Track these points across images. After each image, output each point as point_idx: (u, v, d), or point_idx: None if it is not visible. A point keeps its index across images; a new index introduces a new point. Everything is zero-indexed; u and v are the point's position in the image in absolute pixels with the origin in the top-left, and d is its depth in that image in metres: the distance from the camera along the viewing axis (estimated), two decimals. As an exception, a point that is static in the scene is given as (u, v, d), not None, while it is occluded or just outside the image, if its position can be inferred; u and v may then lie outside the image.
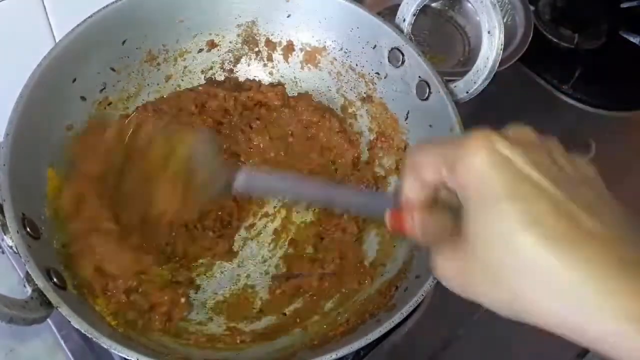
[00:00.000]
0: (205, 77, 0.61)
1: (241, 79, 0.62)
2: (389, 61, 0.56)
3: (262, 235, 0.55)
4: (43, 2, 0.53)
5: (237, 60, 0.62)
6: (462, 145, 0.26)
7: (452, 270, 0.28)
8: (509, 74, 0.63)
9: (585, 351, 0.57)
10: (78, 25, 0.49)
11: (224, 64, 0.61)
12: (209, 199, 0.45)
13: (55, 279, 0.40)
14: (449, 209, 0.29)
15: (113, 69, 0.55)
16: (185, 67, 0.60)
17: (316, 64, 0.61)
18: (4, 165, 0.42)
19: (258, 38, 0.61)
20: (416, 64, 0.53)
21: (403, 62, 0.55)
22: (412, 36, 0.56)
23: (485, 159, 0.25)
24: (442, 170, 0.27)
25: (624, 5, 0.83)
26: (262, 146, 0.58)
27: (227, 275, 0.53)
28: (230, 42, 0.61)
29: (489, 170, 0.25)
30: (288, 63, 0.62)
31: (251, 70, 0.62)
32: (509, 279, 0.25)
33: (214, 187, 0.41)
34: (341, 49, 0.59)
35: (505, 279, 0.25)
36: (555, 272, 0.23)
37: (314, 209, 0.56)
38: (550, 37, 0.78)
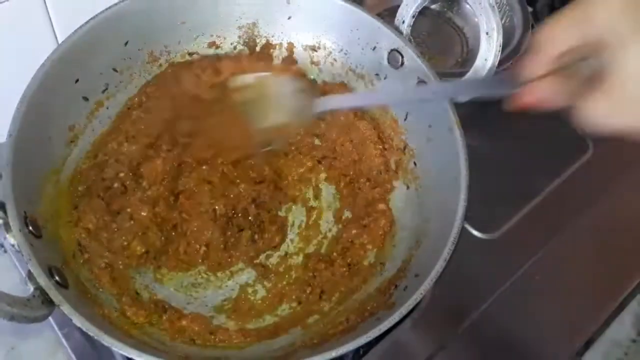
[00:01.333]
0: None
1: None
2: (388, 62, 0.56)
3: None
4: (45, 4, 0.53)
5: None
6: (589, 2, 0.31)
7: (605, 110, 0.33)
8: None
9: (584, 350, 0.57)
10: (80, 27, 0.50)
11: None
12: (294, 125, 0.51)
13: (57, 277, 0.40)
14: (580, 65, 0.33)
15: (115, 70, 0.55)
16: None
17: (317, 65, 0.61)
18: (7, 165, 0.42)
19: (259, 40, 0.61)
20: (415, 66, 0.54)
21: (402, 63, 0.55)
22: (411, 38, 0.56)
23: (617, 4, 0.30)
24: (575, 31, 0.32)
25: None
26: None
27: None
28: (231, 44, 0.61)
29: (622, 12, 0.30)
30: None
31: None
32: None
33: (297, 115, 0.48)
34: (341, 51, 0.60)
35: None
36: None
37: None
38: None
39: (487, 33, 0.50)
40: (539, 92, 0.35)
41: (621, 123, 0.33)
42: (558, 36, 0.34)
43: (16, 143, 0.44)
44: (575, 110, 0.34)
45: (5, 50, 0.53)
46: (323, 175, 0.59)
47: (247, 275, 0.54)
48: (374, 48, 0.57)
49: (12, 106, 0.45)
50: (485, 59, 0.50)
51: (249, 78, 0.51)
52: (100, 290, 0.47)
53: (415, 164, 0.55)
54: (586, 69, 0.33)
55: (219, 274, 0.53)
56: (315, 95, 0.50)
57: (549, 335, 0.56)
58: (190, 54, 0.59)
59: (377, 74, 0.58)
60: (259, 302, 0.52)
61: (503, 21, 0.72)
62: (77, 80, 0.51)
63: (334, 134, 0.59)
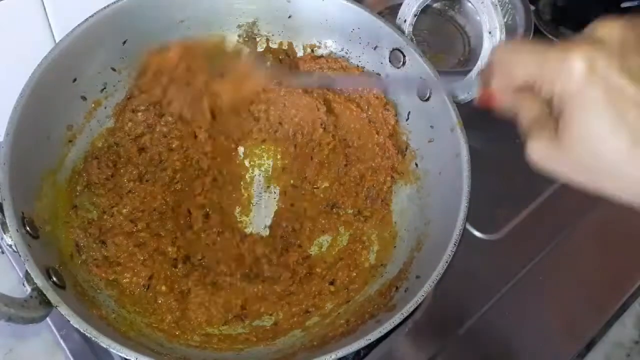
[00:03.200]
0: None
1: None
2: (390, 62, 0.56)
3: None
4: (43, 2, 0.53)
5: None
6: (563, 56, 0.29)
7: (545, 157, 0.32)
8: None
9: (586, 351, 0.57)
10: (78, 25, 0.49)
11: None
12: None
13: (54, 278, 0.40)
14: (535, 98, 0.32)
15: (114, 69, 0.54)
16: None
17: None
18: (4, 164, 0.42)
19: (259, 39, 0.61)
20: (417, 65, 0.53)
21: (404, 62, 0.54)
22: (412, 37, 0.56)
23: (585, 72, 0.28)
24: (536, 74, 0.30)
25: (624, 5, 0.83)
26: None
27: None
28: (231, 43, 0.60)
29: (587, 81, 0.28)
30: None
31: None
32: (597, 173, 0.30)
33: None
34: (342, 50, 0.59)
35: (594, 173, 0.30)
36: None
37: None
38: (550, 36, 0.77)
39: (489, 32, 0.50)
40: (496, 102, 0.34)
41: (559, 174, 0.31)
42: (518, 68, 0.31)
43: (13, 142, 0.43)
44: (523, 140, 0.32)
45: (2, 49, 0.53)
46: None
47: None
48: (375, 47, 0.56)
49: (10, 105, 0.44)
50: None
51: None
52: (98, 291, 0.47)
53: (416, 164, 0.55)
54: (538, 106, 0.32)
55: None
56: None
57: (550, 337, 0.56)
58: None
59: (378, 74, 0.58)
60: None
61: (505, 20, 0.71)
62: (74, 80, 0.50)
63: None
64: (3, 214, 0.40)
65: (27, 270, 0.39)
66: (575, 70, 0.28)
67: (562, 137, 0.30)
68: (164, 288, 0.49)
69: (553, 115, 0.31)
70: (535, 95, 0.31)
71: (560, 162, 0.31)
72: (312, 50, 0.60)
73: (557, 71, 0.29)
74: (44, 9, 0.53)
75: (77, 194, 0.51)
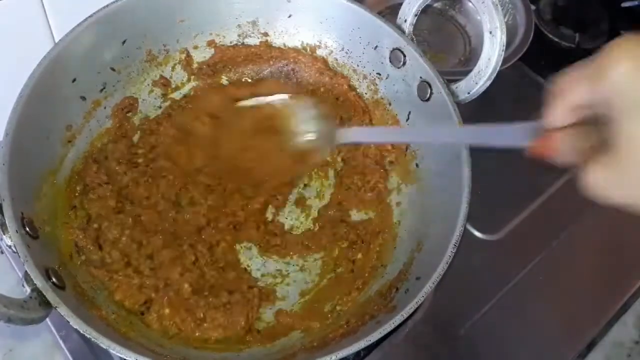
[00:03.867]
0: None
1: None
2: (390, 62, 0.56)
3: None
4: (42, 3, 0.53)
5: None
6: (603, 59, 0.28)
7: (605, 182, 0.30)
8: (509, 73, 0.63)
9: (587, 351, 0.57)
10: (78, 25, 0.49)
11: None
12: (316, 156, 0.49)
13: (54, 279, 0.40)
14: (592, 127, 0.31)
15: (113, 69, 0.54)
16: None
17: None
18: (3, 164, 0.42)
19: (259, 39, 0.60)
20: (418, 65, 0.53)
21: (404, 62, 0.54)
22: (413, 37, 0.55)
23: (629, 68, 0.26)
24: (587, 86, 0.29)
25: (625, 4, 0.83)
26: None
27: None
28: (231, 42, 0.60)
29: (633, 77, 0.26)
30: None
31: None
32: None
33: (321, 144, 0.47)
34: (342, 49, 0.59)
35: None
36: None
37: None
38: (551, 36, 0.77)
39: (490, 32, 0.49)
40: (554, 143, 0.33)
41: (618, 198, 0.30)
42: (573, 88, 0.30)
43: (13, 142, 0.43)
44: (579, 175, 0.31)
45: (2, 49, 0.53)
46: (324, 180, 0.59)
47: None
48: (376, 47, 0.56)
49: (9, 105, 0.44)
50: (489, 59, 0.50)
51: (261, 100, 0.50)
52: (98, 291, 0.47)
53: (417, 165, 0.54)
54: (595, 134, 0.31)
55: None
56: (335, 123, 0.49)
57: (551, 337, 0.56)
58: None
59: (378, 73, 0.58)
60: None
61: (506, 19, 0.71)
62: (74, 80, 0.50)
63: None
64: (2, 215, 0.40)
65: (26, 271, 0.39)
66: (617, 63, 0.27)
67: (619, 154, 0.28)
68: None
69: (607, 137, 0.29)
70: (587, 124, 0.31)
71: (621, 185, 0.29)
72: (313, 50, 0.60)
73: (600, 70, 0.28)
74: (44, 8, 0.53)
75: (77, 194, 0.51)
